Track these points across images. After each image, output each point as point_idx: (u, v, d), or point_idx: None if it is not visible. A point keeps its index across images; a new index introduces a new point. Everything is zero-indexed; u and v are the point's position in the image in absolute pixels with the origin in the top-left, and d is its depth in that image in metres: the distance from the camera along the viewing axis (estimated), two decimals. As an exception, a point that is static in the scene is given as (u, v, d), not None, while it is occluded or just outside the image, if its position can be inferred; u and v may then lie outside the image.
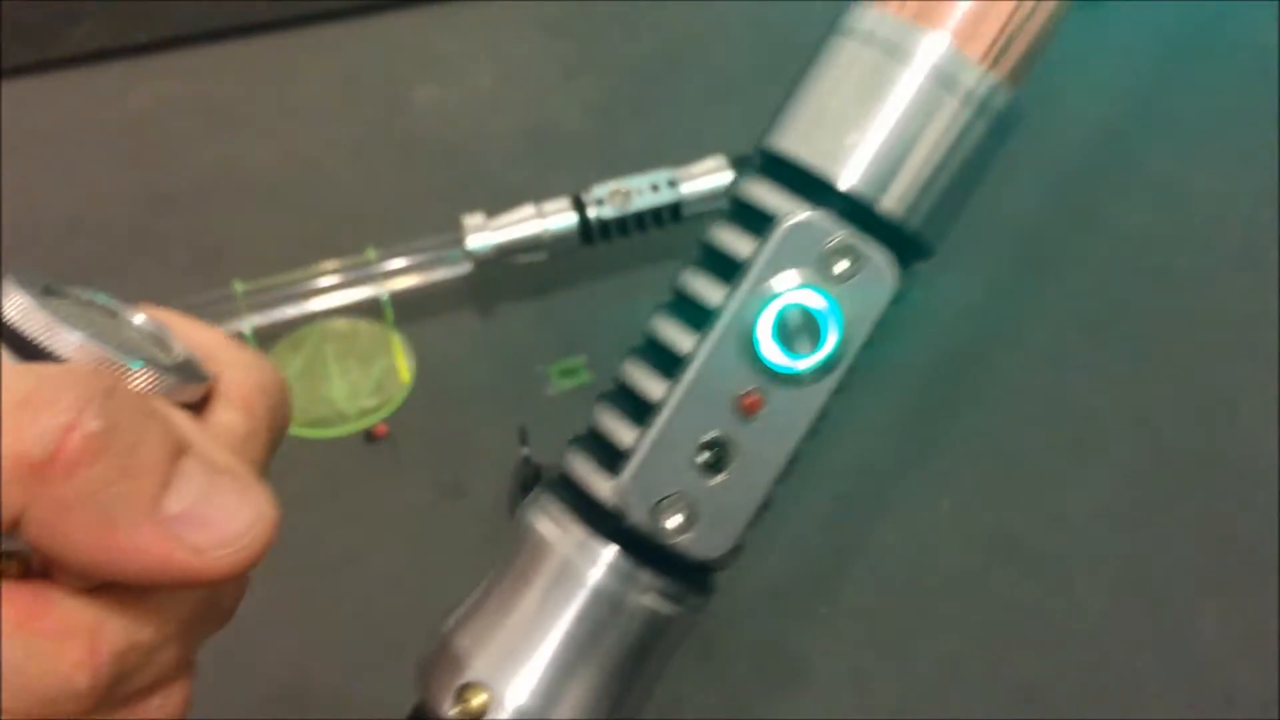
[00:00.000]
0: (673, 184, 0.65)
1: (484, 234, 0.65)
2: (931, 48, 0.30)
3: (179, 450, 0.25)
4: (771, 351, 0.31)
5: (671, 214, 0.65)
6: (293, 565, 0.60)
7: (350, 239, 0.67)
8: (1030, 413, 0.63)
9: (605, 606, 0.33)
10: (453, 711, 0.33)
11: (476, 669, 0.33)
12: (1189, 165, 0.70)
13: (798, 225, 0.30)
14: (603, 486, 0.33)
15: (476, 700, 0.33)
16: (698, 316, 0.32)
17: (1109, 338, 0.65)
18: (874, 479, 0.61)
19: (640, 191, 0.65)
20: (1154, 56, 0.73)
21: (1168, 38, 0.73)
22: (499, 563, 0.35)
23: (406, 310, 0.66)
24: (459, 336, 0.67)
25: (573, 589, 0.33)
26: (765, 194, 0.31)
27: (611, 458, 0.33)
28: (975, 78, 0.30)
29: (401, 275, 0.66)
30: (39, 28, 0.77)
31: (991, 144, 0.31)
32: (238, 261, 0.68)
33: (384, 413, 0.64)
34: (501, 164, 0.73)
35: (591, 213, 0.65)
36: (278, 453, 0.67)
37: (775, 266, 0.30)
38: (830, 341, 0.30)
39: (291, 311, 0.65)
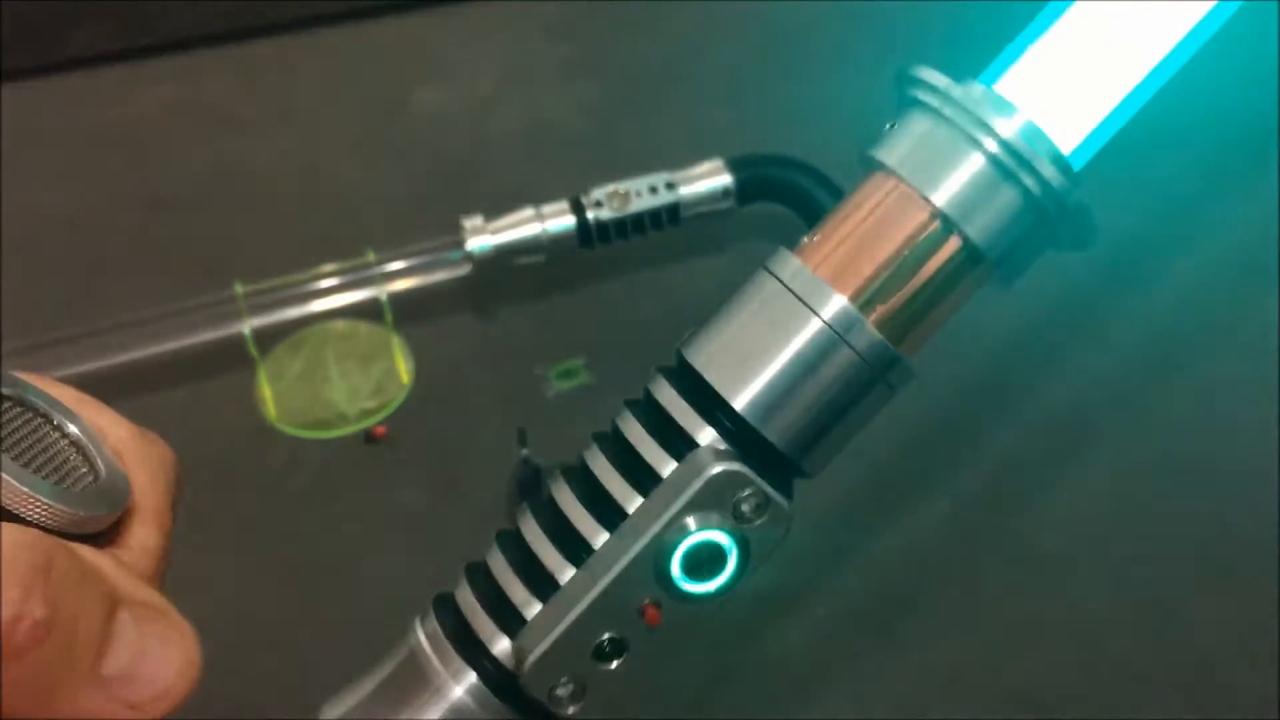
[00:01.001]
0: (671, 186, 0.65)
1: (483, 236, 0.65)
2: (836, 306, 0.34)
3: (113, 607, 0.25)
4: (679, 576, 0.34)
5: (670, 216, 0.66)
6: (293, 565, 0.60)
7: (350, 241, 0.67)
8: (1029, 413, 0.63)
9: None
10: None
11: None
12: (1188, 166, 0.70)
13: (719, 476, 0.34)
14: (499, 643, 0.35)
15: None
16: (609, 513, 0.35)
17: (1107, 338, 0.66)
18: (873, 479, 0.61)
19: (639, 194, 0.65)
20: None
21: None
22: (378, 662, 0.36)
23: (406, 312, 0.66)
24: (458, 338, 0.67)
25: None
26: (678, 408, 0.35)
27: (508, 615, 0.35)
28: (870, 340, 0.35)
29: (401, 277, 0.66)
30: (40, 31, 0.78)
31: (876, 400, 0.36)
32: (238, 264, 0.68)
33: (383, 414, 0.64)
34: (501, 166, 0.73)
35: (590, 215, 0.65)
36: (279, 454, 0.67)
37: (695, 507, 0.34)
38: (729, 571, 0.35)
39: (292, 313, 0.65)
